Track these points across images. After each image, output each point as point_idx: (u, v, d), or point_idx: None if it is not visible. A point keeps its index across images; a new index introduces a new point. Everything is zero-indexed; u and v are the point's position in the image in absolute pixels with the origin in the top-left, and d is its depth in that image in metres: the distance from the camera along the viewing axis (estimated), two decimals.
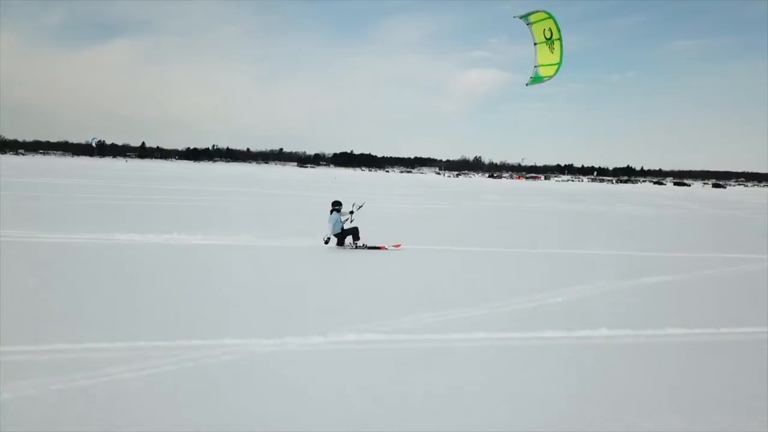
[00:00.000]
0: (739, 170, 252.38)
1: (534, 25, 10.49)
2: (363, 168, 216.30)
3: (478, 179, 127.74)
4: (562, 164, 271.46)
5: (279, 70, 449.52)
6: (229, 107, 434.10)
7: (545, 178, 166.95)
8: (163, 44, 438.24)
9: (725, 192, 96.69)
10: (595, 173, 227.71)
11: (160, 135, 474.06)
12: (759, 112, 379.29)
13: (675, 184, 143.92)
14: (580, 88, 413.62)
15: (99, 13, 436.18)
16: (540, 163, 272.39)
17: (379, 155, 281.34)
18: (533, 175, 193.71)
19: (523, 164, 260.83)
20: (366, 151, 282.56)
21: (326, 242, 13.23)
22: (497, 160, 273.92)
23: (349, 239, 13.33)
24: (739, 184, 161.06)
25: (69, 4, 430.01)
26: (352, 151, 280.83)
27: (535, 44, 10.55)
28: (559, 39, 10.31)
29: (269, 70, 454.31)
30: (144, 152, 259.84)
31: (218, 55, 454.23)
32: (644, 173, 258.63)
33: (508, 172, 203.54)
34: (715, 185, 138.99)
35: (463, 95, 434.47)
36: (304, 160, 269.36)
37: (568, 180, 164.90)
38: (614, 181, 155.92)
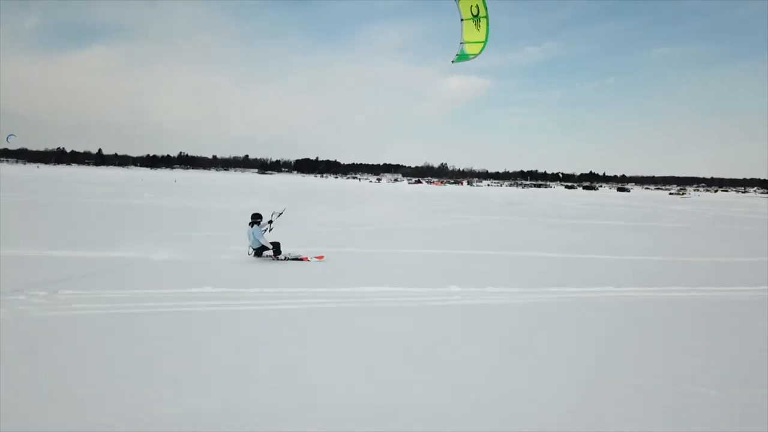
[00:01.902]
0: (708, 176, 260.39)
1: (462, 1, 9.93)
2: (325, 174, 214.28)
3: (397, 185, 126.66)
4: (525, 170, 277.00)
5: (256, 76, 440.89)
6: (205, 113, 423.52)
7: (468, 183, 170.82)
8: (140, 49, 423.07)
9: (620, 195, 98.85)
10: (560, 179, 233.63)
11: (133, 141, 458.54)
12: (735, 118, 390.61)
13: (585, 188, 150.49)
14: (561, 94, 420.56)
15: (76, 18, 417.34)
16: (510, 170, 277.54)
17: (355, 161, 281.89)
18: (458, 180, 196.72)
19: (479, 171, 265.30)
20: (338, 157, 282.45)
21: (255, 254, 12.54)
22: (464, 167, 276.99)
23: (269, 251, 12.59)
24: (695, 191, 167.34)
25: (46, 8, 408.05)
26: (317, 158, 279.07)
27: (461, 20, 9.87)
28: (486, 17, 9.67)
29: (246, 76, 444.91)
30: (101, 159, 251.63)
31: (196, 61, 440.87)
32: (606, 179, 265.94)
33: (443, 178, 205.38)
34: (619, 189, 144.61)
35: (444, 102, 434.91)
36: (266, 167, 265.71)
37: (487, 185, 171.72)
38: (531, 186, 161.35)
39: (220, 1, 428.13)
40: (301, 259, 12.38)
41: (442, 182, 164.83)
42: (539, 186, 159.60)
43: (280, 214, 13.72)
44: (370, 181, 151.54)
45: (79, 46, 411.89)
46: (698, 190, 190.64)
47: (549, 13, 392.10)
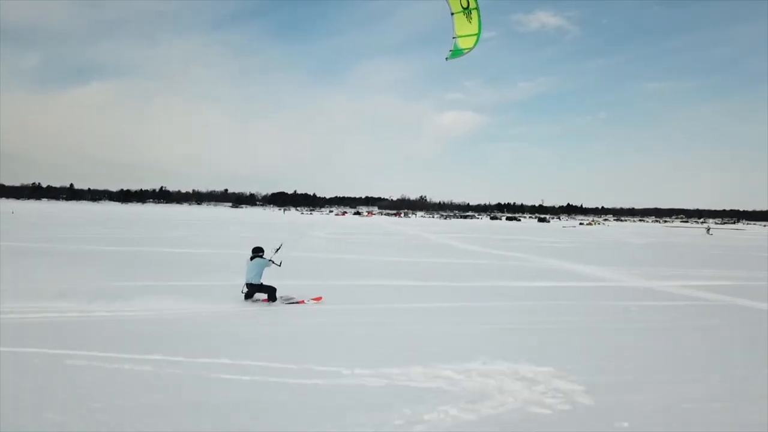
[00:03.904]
0: (693, 207, 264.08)
1: None
2: (290, 208, 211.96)
3: (329, 217, 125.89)
4: (503, 202, 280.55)
5: (250, 112, 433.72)
6: (196, 149, 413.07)
7: (405, 215, 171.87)
8: (135, 86, 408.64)
9: (520, 225, 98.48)
10: (537, 211, 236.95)
11: (121, 176, 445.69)
12: (723, 151, 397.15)
13: (508, 218, 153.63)
14: (552, 129, 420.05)
15: (76, 58, 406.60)
16: (491, 202, 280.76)
17: (338, 195, 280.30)
18: (398, 212, 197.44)
19: (459, 203, 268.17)
20: (323, 191, 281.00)
21: (246, 295, 11.31)
22: (445, 200, 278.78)
23: (262, 294, 11.42)
24: (604, 220, 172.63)
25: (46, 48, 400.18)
26: (295, 191, 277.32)
27: (452, 14, 9.29)
28: (477, 8, 9.10)
29: (240, 112, 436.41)
30: (72, 194, 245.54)
31: (191, 97, 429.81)
32: (584, 211, 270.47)
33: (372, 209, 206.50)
34: (539, 219, 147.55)
35: (435, 137, 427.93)
36: (241, 201, 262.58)
37: (421, 216, 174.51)
38: (458, 217, 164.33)
39: (218, 37, 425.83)
40: (298, 303, 11.36)
41: (371, 214, 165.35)
42: (466, 217, 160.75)
43: (278, 249, 12.51)
44: (326, 214, 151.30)
45: (76, 84, 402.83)
46: (623, 220, 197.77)
47: (541, 49, 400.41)
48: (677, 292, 15.23)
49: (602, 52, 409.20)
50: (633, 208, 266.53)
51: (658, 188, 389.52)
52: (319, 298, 11.76)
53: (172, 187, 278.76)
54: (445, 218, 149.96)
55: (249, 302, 11.26)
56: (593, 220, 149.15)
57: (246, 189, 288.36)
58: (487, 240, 41.33)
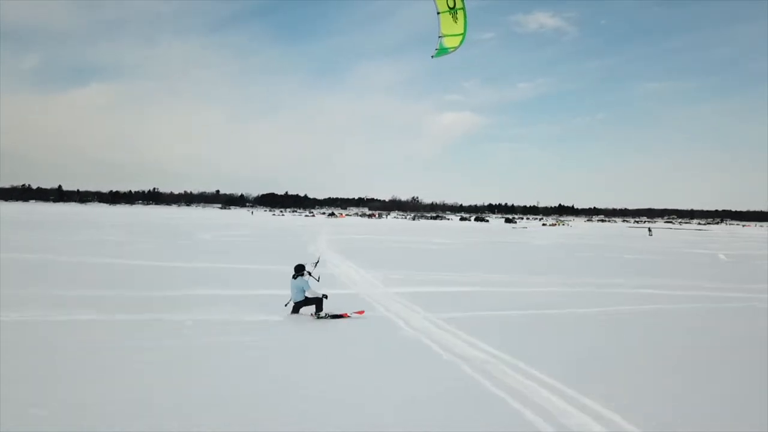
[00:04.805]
0: (686, 208, 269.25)
1: None
2: (278, 209, 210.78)
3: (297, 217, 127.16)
4: (495, 203, 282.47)
5: (249, 113, 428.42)
6: (194, 150, 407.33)
7: (378, 216, 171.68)
8: (135, 87, 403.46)
9: (490, 226, 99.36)
10: (528, 211, 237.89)
11: (117, 178, 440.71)
12: (717, 152, 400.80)
13: (476, 219, 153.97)
14: (551, 129, 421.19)
15: (76, 58, 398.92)
16: (485, 202, 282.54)
17: (331, 196, 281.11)
18: (372, 213, 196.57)
19: (451, 204, 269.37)
20: (318, 193, 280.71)
21: (292, 310, 11.55)
22: (438, 200, 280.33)
23: (310, 308, 11.51)
24: (644, 222, 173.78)
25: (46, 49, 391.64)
26: (286, 192, 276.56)
27: (438, 14, 9.30)
28: (463, 8, 9.12)
29: (239, 113, 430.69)
30: (60, 195, 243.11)
31: (190, 98, 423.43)
32: (576, 211, 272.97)
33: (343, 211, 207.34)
34: (507, 220, 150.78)
35: (434, 137, 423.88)
36: (231, 202, 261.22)
37: (393, 217, 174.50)
38: (428, 218, 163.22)
39: (217, 38, 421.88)
40: (341, 316, 11.33)
41: (342, 215, 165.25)
42: (436, 218, 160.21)
43: (316, 263, 12.59)
44: (303, 216, 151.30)
45: (75, 85, 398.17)
46: (592, 220, 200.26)
47: (540, 50, 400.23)
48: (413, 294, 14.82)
49: (601, 53, 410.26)
50: (626, 209, 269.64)
51: (658, 188, 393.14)
52: (361, 312, 11.71)
53: (169, 189, 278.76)
54: (413, 219, 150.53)
55: (294, 316, 11.44)
56: (558, 221, 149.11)
57: (246, 190, 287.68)
58: (383, 241, 41.27)
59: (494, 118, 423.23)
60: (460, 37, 9.23)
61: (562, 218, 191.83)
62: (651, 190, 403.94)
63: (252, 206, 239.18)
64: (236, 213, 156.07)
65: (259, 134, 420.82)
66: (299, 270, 11.62)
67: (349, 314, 11.48)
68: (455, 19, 9.22)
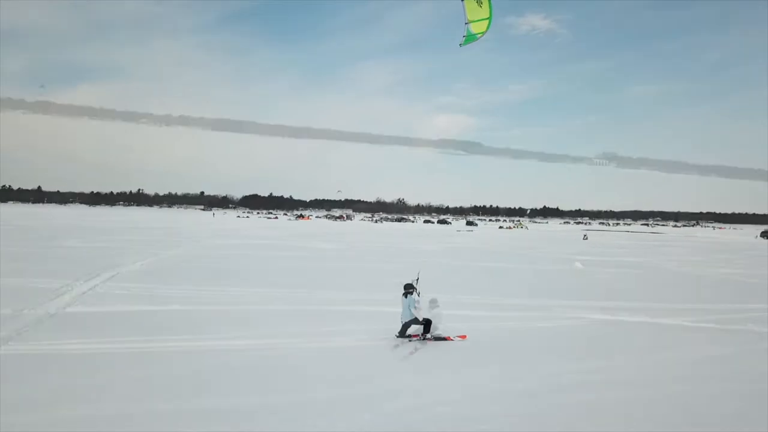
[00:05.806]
0: (673, 210, 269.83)
1: None
2: (260, 211, 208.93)
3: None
4: (479, 205, 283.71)
5: (243, 115, 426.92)
6: (185, 152, 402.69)
7: (345, 219, 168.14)
8: (124, 88, 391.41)
9: (444, 229, 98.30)
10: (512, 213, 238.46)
11: (115, 181, 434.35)
12: (712, 154, 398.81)
13: (439, 222, 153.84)
14: (543, 131, 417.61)
15: (64, 60, 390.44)
16: (470, 204, 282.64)
17: (318, 198, 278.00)
18: (341, 215, 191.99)
19: (436, 206, 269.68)
20: (305, 195, 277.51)
21: (400, 332, 10.90)
22: (424, 202, 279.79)
23: (415, 329, 10.86)
24: (625, 224, 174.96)
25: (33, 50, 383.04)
26: (271, 194, 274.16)
27: (462, 1, 9.26)
28: None
29: (235, 115, 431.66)
30: (40, 196, 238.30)
31: (181, 99, 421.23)
32: (560, 213, 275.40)
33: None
34: (468, 223, 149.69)
35: (426, 140, 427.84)
36: (214, 204, 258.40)
37: (361, 219, 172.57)
38: (394, 220, 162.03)
39: (209, 39, 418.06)
40: (445, 339, 10.87)
41: (308, 218, 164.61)
42: (401, 221, 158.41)
43: (418, 279, 11.76)
44: (279, 217, 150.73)
45: (63, 86, 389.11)
46: (570, 223, 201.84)
47: (532, 52, 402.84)
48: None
49: (593, 55, 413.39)
50: (611, 211, 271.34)
51: (647, 191, 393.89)
52: (464, 336, 11.15)
53: (154, 190, 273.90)
54: (377, 222, 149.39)
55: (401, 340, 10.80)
56: (516, 224, 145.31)
57: (231, 191, 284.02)
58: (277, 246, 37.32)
59: (487, 120, 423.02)
60: (487, 22, 9.18)
61: (522, 220, 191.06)
62: (641, 193, 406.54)
63: (206, 209, 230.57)
64: (194, 215, 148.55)
65: (253, 136, 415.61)
66: (408, 288, 10.97)
67: (452, 337, 11.02)
68: (480, 4, 9.16)
